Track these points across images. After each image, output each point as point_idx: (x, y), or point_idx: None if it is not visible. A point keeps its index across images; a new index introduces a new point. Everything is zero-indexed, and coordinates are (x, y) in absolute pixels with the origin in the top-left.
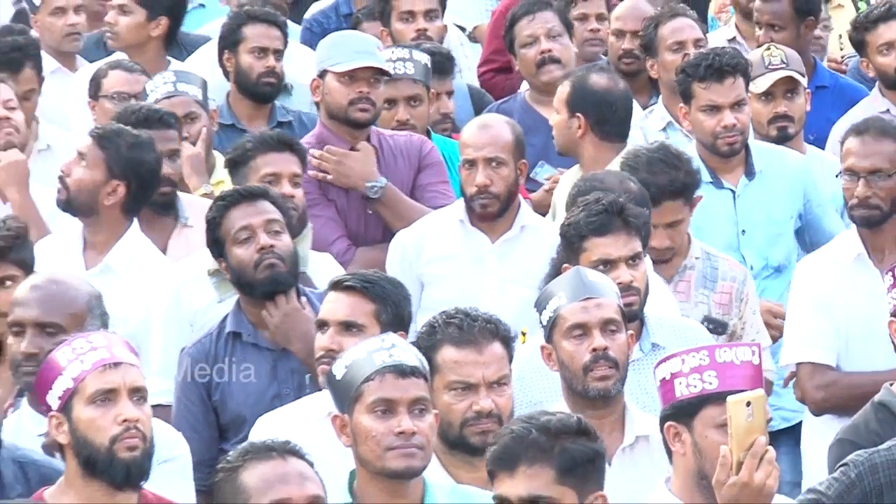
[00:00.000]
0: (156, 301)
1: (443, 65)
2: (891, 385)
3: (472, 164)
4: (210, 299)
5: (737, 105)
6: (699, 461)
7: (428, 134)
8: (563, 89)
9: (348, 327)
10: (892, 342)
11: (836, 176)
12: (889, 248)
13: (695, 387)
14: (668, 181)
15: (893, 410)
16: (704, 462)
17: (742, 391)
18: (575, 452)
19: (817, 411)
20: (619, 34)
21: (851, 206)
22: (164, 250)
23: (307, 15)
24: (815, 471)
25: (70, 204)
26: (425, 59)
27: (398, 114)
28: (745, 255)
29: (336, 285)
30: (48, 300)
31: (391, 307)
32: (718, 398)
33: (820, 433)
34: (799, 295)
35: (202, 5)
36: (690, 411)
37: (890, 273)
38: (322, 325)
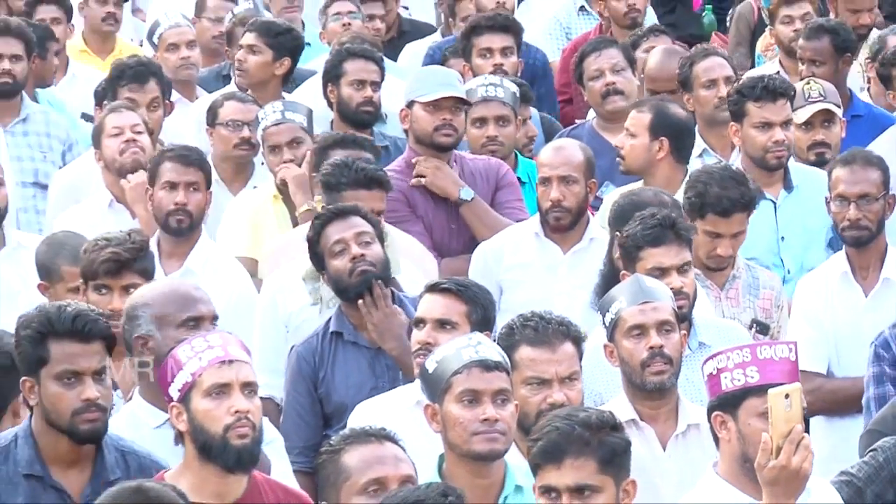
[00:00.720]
0: (250, 306)
1: (525, 94)
2: None
3: (547, 181)
4: (302, 303)
5: (785, 124)
6: (743, 446)
7: (516, 156)
8: (644, 116)
9: (443, 325)
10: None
11: (826, 202)
12: (872, 266)
13: (739, 380)
14: (739, 195)
15: None
16: (748, 447)
17: (781, 384)
18: (613, 444)
19: (810, 413)
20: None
21: (843, 227)
22: None
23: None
24: None
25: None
26: (514, 87)
27: (488, 131)
28: (783, 259)
29: (433, 288)
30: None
31: (480, 309)
32: (760, 390)
33: (812, 432)
34: (795, 309)
35: (308, 44)
36: (735, 402)
37: None
38: (419, 322)
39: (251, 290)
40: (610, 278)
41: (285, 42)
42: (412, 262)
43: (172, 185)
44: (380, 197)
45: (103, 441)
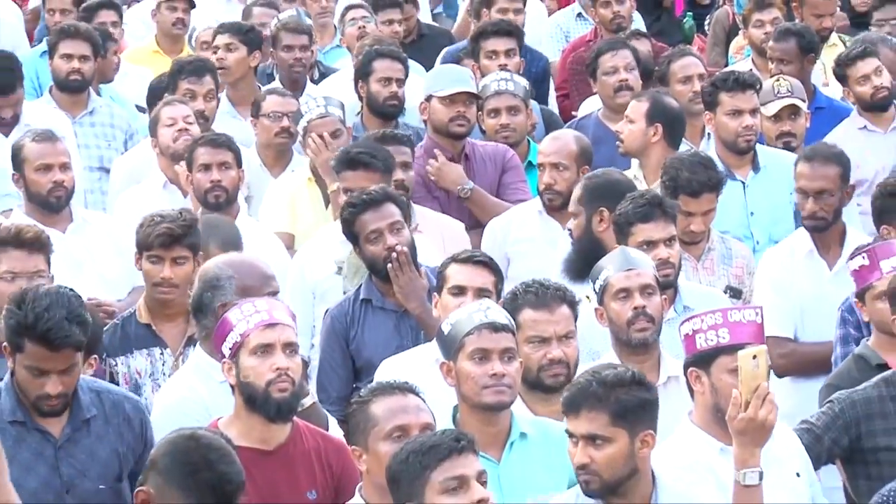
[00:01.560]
0: (285, 275)
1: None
2: (867, 341)
3: (542, 167)
4: (327, 273)
5: (753, 111)
6: (715, 398)
7: (528, 142)
8: (641, 104)
9: (482, 293)
10: (859, 319)
11: (791, 193)
12: (833, 245)
13: (712, 340)
14: (707, 178)
15: (869, 361)
16: (719, 399)
17: (749, 344)
18: (626, 401)
19: (779, 374)
20: None
21: (803, 217)
22: None
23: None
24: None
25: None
26: (524, 81)
27: (501, 120)
28: (753, 232)
29: (469, 260)
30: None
31: (502, 279)
32: (730, 349)
33: (780, 390)
34: (762, 280)
35: (339, 45)
36: (708, 360)
37: (864, 255)
38: (461, 290)
39: (286, 259)
40: (587, 249)
41: (254, 38)
42: (447, 234)
43: (206, 167)
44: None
45: (77, 384)
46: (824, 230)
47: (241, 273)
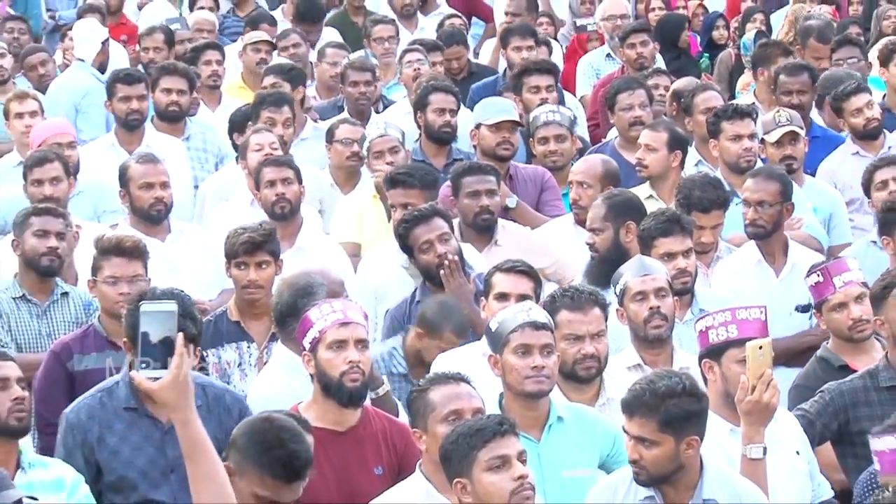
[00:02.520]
0: (350, 279)
1: None
2: (827, 345)
3: (570, 184)
4: (387, 277)
5: (752, 136)
6: (725, 385)
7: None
8: (661, 134)
9: (522, 298)
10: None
11: (736, 203)
12: (778, 255)
13: (722, 335)
14: (716, 196)
15: (830, 362)
16: (729, 386)
17: (754, 338)
18: (674, 412)
19: None
20: None
21: (746, 224)
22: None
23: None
24: None
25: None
26: (570, 113)
27: (550, 146)
28: None
29: (511, 269)
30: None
31: (539, 285)
32: (738, 343)
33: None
34: (718, 286)
35: (397, 83)
36: (719, 352)
37: (818, 272)
38: (504, 296)
39: (347, 263)
40: (615, 259)
41: (296, 75)
42: (525, 245)
43: (272, 183)
44: (404, 193)
45: None
46: (763, 238)
47: (329, 281)
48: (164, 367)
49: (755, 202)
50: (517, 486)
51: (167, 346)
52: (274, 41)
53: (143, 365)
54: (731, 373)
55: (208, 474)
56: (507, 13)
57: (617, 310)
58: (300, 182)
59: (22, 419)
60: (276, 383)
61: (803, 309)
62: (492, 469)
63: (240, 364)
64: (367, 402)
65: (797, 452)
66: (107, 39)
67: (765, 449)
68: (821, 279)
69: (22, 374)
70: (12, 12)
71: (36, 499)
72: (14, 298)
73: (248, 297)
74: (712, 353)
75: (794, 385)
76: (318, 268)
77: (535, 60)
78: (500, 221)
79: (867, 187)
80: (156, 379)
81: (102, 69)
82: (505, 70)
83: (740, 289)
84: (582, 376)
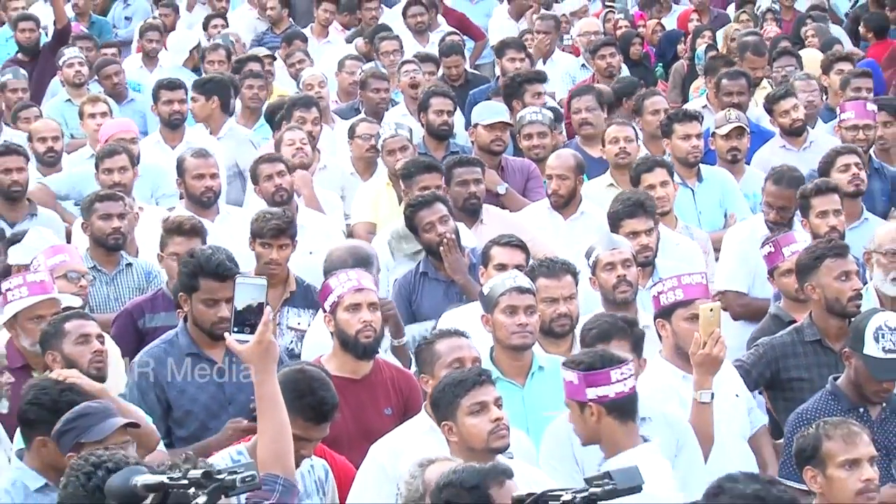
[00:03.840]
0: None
1: (557, 117)
2: (779, 304)
3: (549, 176)
4: (389, 257)
5: (699, 135)
6: (676, 339)
7: None
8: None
9: (518, 268)
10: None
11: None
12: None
13: (671, 298)
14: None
15: (781, 318)
16: (679, 340)
17: (696, 299)
18: (638, 334)
19: (735, 318)
20: None
21: (767, 220)
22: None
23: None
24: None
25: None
26: (550, 114)
27: (533, 141)
28: (700, 222)
29: (507, 244)
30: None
31: (528, 256)
32: (684, 303)
33: (735, 331)
34: (729, 250)
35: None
36: (669, 312)
37: (770, 244)
38: (503, 266)
39: (339, 235)
40: None
41: (212, 87)
42: (505, 223)
43: (269, 177)
44: (438, 177)
45: None
46: (778, 227)
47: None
48: (252, 332)
49: (777, 207)
50: (494, 427)
51: (255, 313)
52: (305, 55)
53: (236, 329)
54: (679, 329)
55: (277, 422)
56: (538, 31)
57: (590, 278)
58: (291, 172)
59: (101, 369)
60: (321, 335)
61: None
62: (473, 413)
63: None
64: (388, 351)
65: (736, 395)
66: (196, 46)
67: (712, 394)
68: (772, 249)
69: (101, 331)
70: (84, 31)
71: (138, 426)
72: (88, 268)
73: (269, 271)
74: (664, 313)
75: (751, 336)
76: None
77: (535, 70)
78: (485, 205)
79: (826, 170)
80: (243, 342)
81: (196, 70)
82: (498, 77)
83: (746, 254)
84: (557, 332)
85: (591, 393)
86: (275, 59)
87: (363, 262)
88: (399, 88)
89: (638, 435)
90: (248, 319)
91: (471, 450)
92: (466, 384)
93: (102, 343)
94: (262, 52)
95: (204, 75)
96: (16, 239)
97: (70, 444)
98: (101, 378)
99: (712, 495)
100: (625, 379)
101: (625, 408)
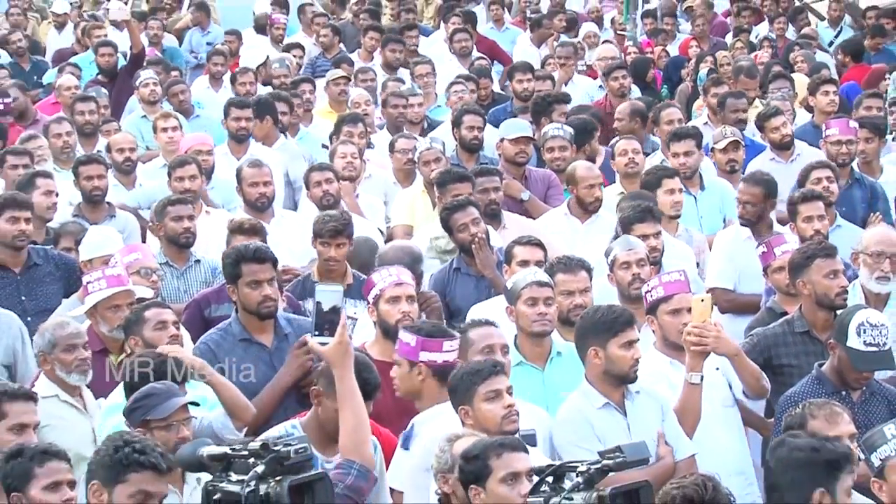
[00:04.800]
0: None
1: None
2: (774, 297)
3: (591, 185)
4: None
5: (688, 153)
6: (662, 332)
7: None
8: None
9: (538, 264)
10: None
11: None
12: (765, 233)
13: (655, 295)
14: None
15: (774, 311)
16: (664, 332)
17: (677, 294)
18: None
19: (722, 313)
20: None
21: (738, 215)
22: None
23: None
24: None
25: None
26: (571, 129)
27: (555, 154)
28: (702, 226)
29: (528, 243)
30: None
31: (546, 254)
32: (665, 299)
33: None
34: (717, 251)
35: (439, 106)
36: (655, 308)
37: (764, 245)
38: (525, 262)
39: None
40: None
41: (262, 108)
42: (524, 228)
43: (318, 183)
44: (466, 186)
45: (278, 314)
46: (749, 226)
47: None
48: (331, 334)
49: (744, 202)
50: (507, 413)
51: (333, 317)
52: (349, 76)
53: (316, 332)
54: (664, 322)
55: (356, 414)
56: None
57: (608, 275)
58: (338, 180)
59: None
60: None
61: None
62: (488, 399)
63: None
64: None
65: (716, 368)
66: (262, 63)
67: (702, 377)
68: (766, 250)
69: (176, 318)
70: (158, 55)
71: (198, 404)
72: (160, 264)
73: (328, 267)
74: (651, 309)
75: (748, 326)
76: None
77: (562, 94)
78: (505, 212)
79: (803, 181)
80: (324, 344)
81: (264, 83)
82: (511, 99)
83: (731, 254)
84: (573, 321)
85: (424, 356)
86: (349, 80)
87: (416, 259)
88: (448, 105)
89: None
90: (327, 323)
91: (485, 432)
92: (483, 373)
93: (178, 329)
94: (338, 73)
95: (238, 97)
96: (64, 232)
97: (137, 420)
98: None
99: (775, 447)
100: (452, 350)
101: (445, 373)
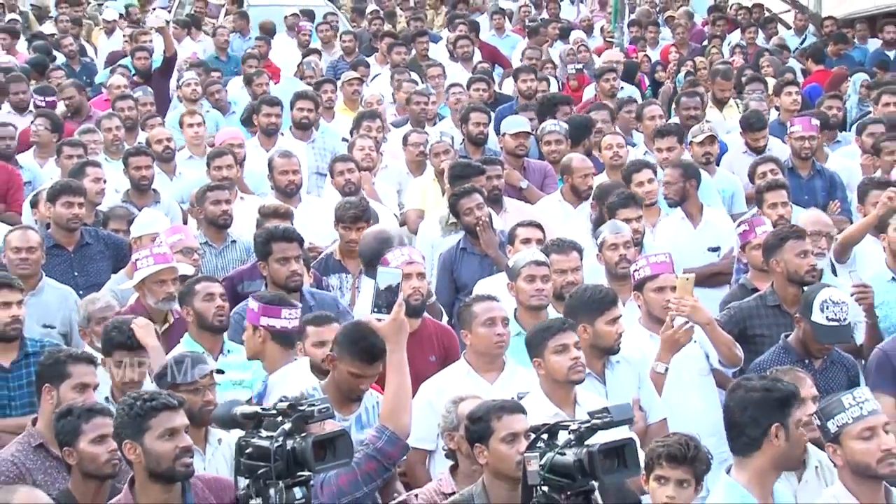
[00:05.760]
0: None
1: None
2: (747, 275)
3: (585, 175)
4: (439, 234)
5: (670, 148)
6: (648, 308)
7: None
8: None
9: (539, 242)
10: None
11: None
12: (695, 214)
13: (641, 273)
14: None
15: (746, 286)
16: (650, 308)
17: (661, 273)
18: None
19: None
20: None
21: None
22: None
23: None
24: None
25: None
26: (565, 126)
27: (552, 147)
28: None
29: (529, 224)
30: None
31: (545, 234)
32: (651, 277)
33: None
34: (662, 235)
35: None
36: (641, 285)
37: (746, 223)
38: (528, 241)
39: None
40: (599, 222)
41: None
42: (523, 212)
43: (341, 172)
44: (481, 177)
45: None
46: (675, 206)
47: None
48: (388, 312)
49: (665, 182)
50: (573, 364)
51: (391, 297)
52: (362, 78)
53: (375, 310)
54: (649, 298)
55: (399, 385)
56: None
57: (597, 255)
58: (360, 171)
59: (222, 320)
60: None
61: (712, 250)
62: (557, 352)
63: (339, 287)
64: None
65: (694, 341)
66: (301, 62)
67: (666, 368)
68: (747, 227)
69: (223, 290)
70: (199, 58)
71: (223, 372)
72: (201, 244)
73: (349, 248)
74: (638, 286)
75: (723, 300)
76: (390, 226)
77: (566, 96)
78: (506, 198)
79: (752, 176)
80: (380, 320)
81: (302, 77)
82: (516, 98)
83: (672, 237)
84: (566, 297)
85: (264, 321)
86: (362, 81)
87: (385, 242)
88: (447, 105)
89: (293, 357)
90: (385, 301)
91: (554, 381)
92: (552, 329)
93: (224, 300)
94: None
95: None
96: (113, 215)
97: (167, 385)
98: (222, 329)
99: (731, 391)
100: (292, 318)
101: (286, 338)
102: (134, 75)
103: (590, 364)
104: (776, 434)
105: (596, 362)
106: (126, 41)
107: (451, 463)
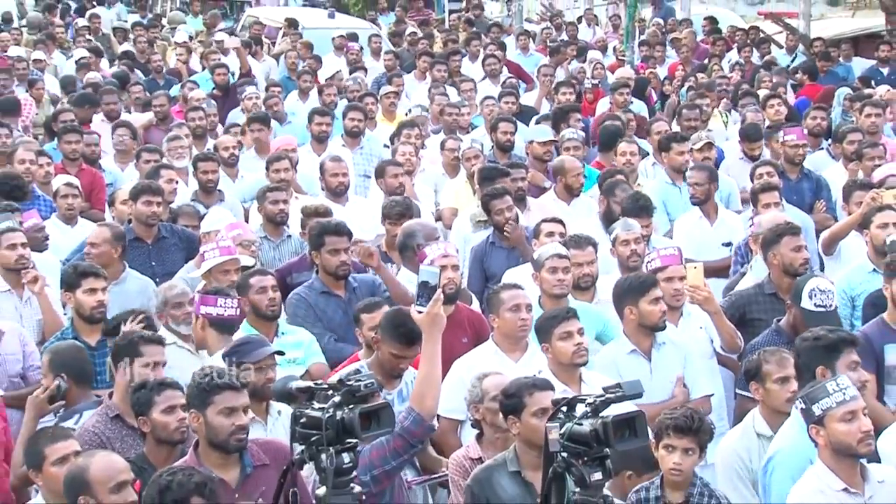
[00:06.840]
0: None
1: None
2: (749, 264)
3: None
4: (468, 230)
5: (683, 153)
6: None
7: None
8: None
9: (561, 236)
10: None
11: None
12: (711, 213)
13: (652, 265)
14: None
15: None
16: (665, 297)
17: (671, 265)
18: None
19: None
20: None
21: (690, 196)
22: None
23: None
24: None
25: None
26: (581, 133)
27: (570, 153)
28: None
29: (552, 220)
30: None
31: (565, 228)
32: (662, 269)
33: None
34: (679, 230)
35: (478, 115)
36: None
37: (750, 219)
38: (551, 234)
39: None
40: (609, 220)
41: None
42: (544, 210)
43: (394, 175)
44: (506, 179)
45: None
46: (699, 204)
47: (425, 228)
48: (426, 304)
49: (693, 183)
50: (576, 349)
51: (430, 291)
52: (398, 91)
53: (418, 302)
54: (662, 287)
55: (430, 372)
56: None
57: (611, 249)
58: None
59: (275, 309)
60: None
61: (726, 245)
62: (562, 339)
63: None
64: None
65: (700, 327)
66: (338, 71)
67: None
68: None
69: (276, 283)
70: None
71: (283, 353)
72: (260, 238)
73: (393, 241)
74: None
75: (725, 287)
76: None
77: (573, 104)
78: (529, 198)
79: (752, 177)
80: (420, 312)
81: (348, 91)
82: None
83: (687, 232)
84: (582, 286)
85: (203, 309)
86: (398, 95)
87: (410, 235)
88: (481, 114)
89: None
90: (425, 295)
91: (560, 364)
92: (558, 318)
93: (275, 292)
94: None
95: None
96: (181, 212)
97: (234, 362)
98: (275, 316)
99: (799, 342)
100: (228, 307)
101: (223, 325)
102: (213, 89)
103: (638, 342)
104: (823, 375)
105: (644, 340)
106: (202, 59)
107: (476, 431)
